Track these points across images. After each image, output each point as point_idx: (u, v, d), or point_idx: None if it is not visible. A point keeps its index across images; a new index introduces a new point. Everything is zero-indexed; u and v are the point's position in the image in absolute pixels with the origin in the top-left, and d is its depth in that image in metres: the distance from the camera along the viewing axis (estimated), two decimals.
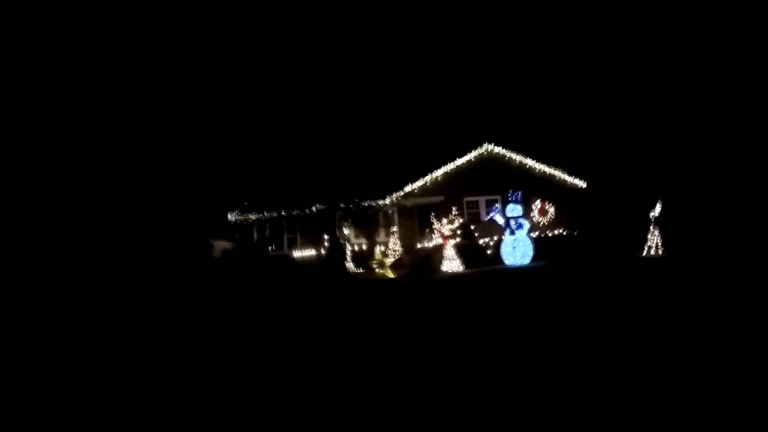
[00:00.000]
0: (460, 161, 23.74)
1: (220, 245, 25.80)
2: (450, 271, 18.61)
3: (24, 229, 18.61)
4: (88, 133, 21.14)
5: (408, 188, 23.59)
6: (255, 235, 25.82)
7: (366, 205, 23.78)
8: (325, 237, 23.23)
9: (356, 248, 23.58)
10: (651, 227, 18.43)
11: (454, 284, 14.53)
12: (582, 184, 24.22)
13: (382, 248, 21.74)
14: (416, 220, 23.60)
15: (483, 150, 23.83)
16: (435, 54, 44.76)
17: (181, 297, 15.10)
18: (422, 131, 28.66)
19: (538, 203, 23.60)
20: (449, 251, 18.99)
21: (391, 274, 18.81)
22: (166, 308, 12.24)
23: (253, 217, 25.41)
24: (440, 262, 18.96)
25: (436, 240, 21.13)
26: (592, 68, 34.36)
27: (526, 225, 18.85)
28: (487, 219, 20.45)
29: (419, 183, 23.61)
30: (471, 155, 23.80)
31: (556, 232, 22.62)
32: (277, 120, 28.82)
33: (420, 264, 19.69)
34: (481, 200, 23.77)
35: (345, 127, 29.86)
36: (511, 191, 19.30)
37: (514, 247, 18.66)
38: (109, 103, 22.01)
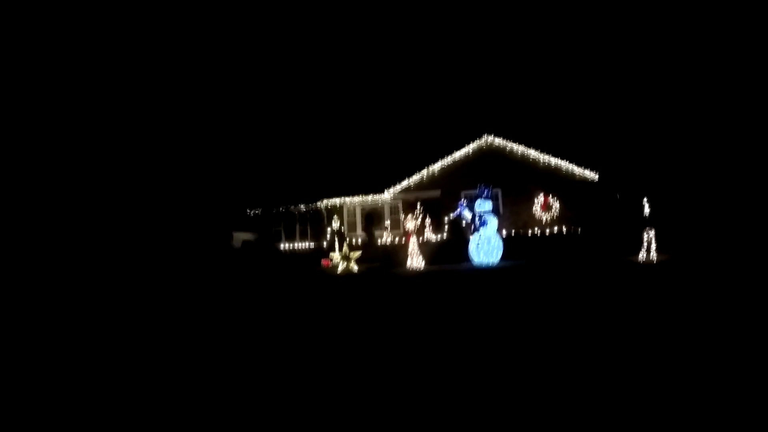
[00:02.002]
0: (458, 154, 23.15)
1: (241, 236, 27.92)
2: (412, 267, 18.45)
3: (43, 225, 21.43)
4: (116, 134, 23.76)
5: (405, 183, 23.57)
6: (272, 228, 27.46)
7: (361, 200, 24.18)
8: (328, 230, 24.10)
9: (355, 241, 24.09)
10: (645, 229, 16.61)
11: (397, 282, 13.99)
12: (593, 176, 22.29)
13: (348, 241, 21.95)
14: (415, 214, 23.50)
15: (482, 142, 22.98)
16: (437, 43, 42.77)
17: (198, 283, 16.52)
18: (422, 124, 28.18)
19: (541, 197, 22.27)
20: (412, 247, 18.78)
21: (354, 269, 19.10)
22: (184, 293, 13.45)
23: (267, 211, 27.04)
24: (405, 258, 18.84)
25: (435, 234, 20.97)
26: (605, 54, 31.02)
27: (493, 221, 17.98)
28: (454, 215, 19.76)
29: (416, 178, 23.48)
30: (469, 147, 23.09)
31: (555, 229, 21.14)
32: (290, 119, 30.03)
33: (384, 259, 19.71)
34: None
35: (346, 124, 30.26)
36: (480, 186, 18.52)
37: (478, 245, 17.95)
38: (132, 105, 24.40)
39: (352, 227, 25.13)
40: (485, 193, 18.30)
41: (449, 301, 9.34)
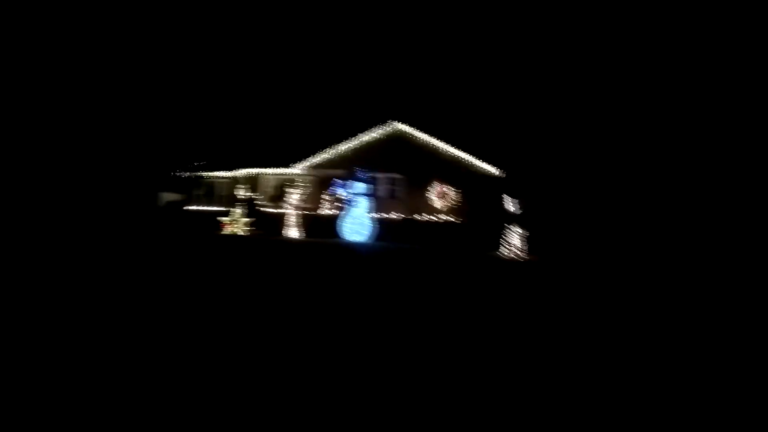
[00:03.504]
0: (366, 137, 23.78)
1: (167, 196, 28.93)
2: (288, 236, 19.30)
3: None
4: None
5: (314, 159, 24.30)
6: (195, 191, 28.37)
7: (274, 172, 24.98)
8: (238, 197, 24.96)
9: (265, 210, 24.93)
10: (509, 225, 16.70)
11: (261, 246, 14.53)
12: (495, 171, 22.81)
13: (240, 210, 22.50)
14: (318, 188, 24.25)
15: (390, 127, 23.57)
16: (359, 28, 42.03)
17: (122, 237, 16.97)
18: (338, 105, 28.77)
19: (438, 186, 22.87)
20: (291, 219, 19.61)
21: (240, 232, 19.98)
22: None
23: (194, 175, 27.96)
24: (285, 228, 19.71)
25: (331, 208, 21.77)
26: (518, 55, 31.18)
27: (363, 203, 18.73)
28: (330, 192, 20.52)
29: (325, 155, 24.18)
30: (378, 131, 23.69)
31: (445, 218, 21.78)
32: (220, 87, 30.38)
33: (269, 228, 20.57)
34: (382, 177, 23.61)
35: (272, 98, 30.79)
36: (357, 169, 19.26)
37: (347, 223, 18.72)
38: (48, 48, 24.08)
39: (268, 197, 25.96)
40: (362, 176, 19.05)
41: (285, 266, 9.99)
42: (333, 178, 23.32)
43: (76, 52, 25.12)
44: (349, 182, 18.91)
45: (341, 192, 19.45)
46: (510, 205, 17.10)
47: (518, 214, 17.18)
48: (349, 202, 18.65)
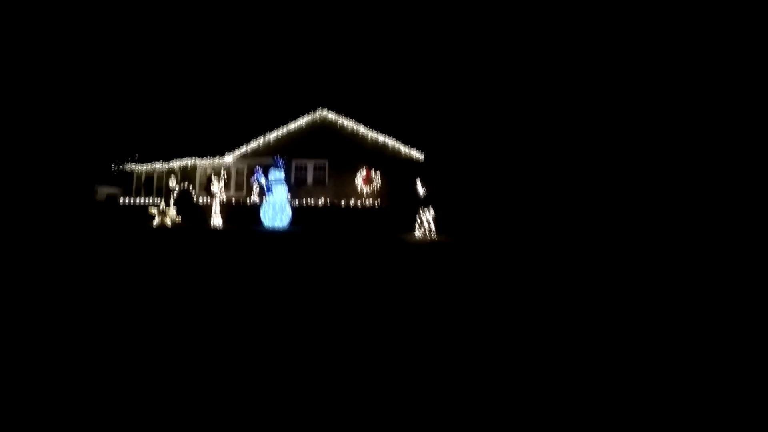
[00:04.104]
0: (293, 125, 24.37)
1: (105, 190, 29.15)
2: (213, 225, 19.91)
3: None
4: None
5: (243, 149, 24.83)
6: (134, 184, 28.65)
7: (209, 162, 25.43)
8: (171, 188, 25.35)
9: (202, 200, 25.43)
10: (421, 208, 17.46)
11: (186, 236, 14.82)
12: (419, 155, 23.69)
13: (169, 201, 23.02)
14: (248, 177, 24.79)
15: (316, 115, 24.18)
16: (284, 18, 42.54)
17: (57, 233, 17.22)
18: (265, 96, 29.29)
19: (363, 171, 23.65)
20: (216, 209, 20.21)
21: (168, 223, 20.49)
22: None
23: (130, 167, 28.19)
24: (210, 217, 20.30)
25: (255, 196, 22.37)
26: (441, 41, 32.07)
27: (280, 190, 19.40)
28: (252, 180, 21.17)
29: (253, 145, 24.71)
30: (303, 120, 24.28)
31: (369, 203, 22.65)
32: (155, 80, 30.60)
33: (195, 217, 21.15)
34: (309, 164, 24.28)
35: (204, 90, 31.12)
36: (275, 156, 19.91)
37: (266, 210, 19.40)
38: None
39: (202, 188, 26.43)
40: (279, 163, 19.70)
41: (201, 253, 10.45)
42: (259, 165, 23.93)
43: (5, 44, 25.00)
44: (271, 169, 19.53)
45: (261, 180, 20.06)
46: (421, 188, 18.02)
47: (431, 197, 18.12)
48: (268, 189, 19.30)
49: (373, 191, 23.50)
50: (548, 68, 26.14)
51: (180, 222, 21.17)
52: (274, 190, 19.30)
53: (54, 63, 25.88)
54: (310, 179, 24.05)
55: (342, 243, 13.72)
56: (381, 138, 23.79)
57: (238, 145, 24.81)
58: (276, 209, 19.35)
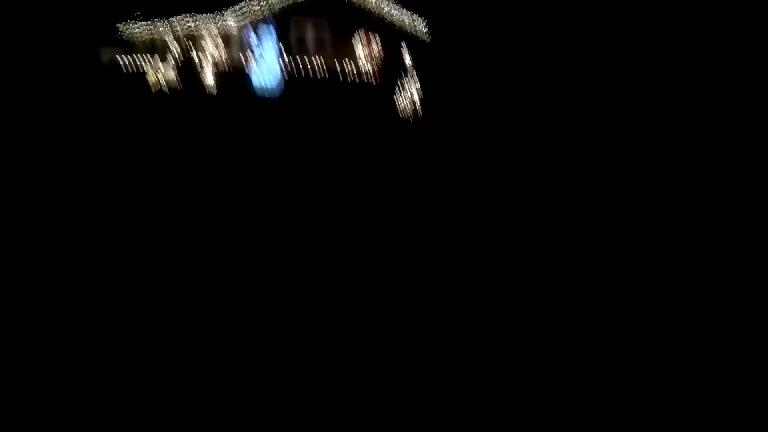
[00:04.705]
0: None
1: (109, 52, 28.82)
2: (205, 85, 20.04)
3: None
4: None
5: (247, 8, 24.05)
6: (139, 46, 28.22)
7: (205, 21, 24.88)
8: None
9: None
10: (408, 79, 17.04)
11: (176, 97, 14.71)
12: (425, 34, 22.66)
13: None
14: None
15: None
16: None
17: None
18: None
19: (363, 34, 22.79)
20: (208, 69, 20.22)
21: (164, 84, 20.58)
22: None
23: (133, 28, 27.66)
24: None
25: None
26: None
27: (271, 51, 18.96)
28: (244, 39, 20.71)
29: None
30: None
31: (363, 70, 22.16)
32: None
33: (192, 78, 21.28)
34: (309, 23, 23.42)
35: None
36: (266, 15, 19.28)
37: (259, 71, 19.22)
38: None
39: (202, 51, 25.97)
40: (269, 22, 19.17)
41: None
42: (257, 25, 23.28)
43: None
44: (260, 28, 19.08)
45: (252, 40, 19.68)
46: (408, 58, 17.47)
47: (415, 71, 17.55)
48: (259, 49, 19.00)
49: (371, 61, 22.81)
50: None
51: (175, 83, 21.26)
52: (265, 51, 19.03)
53: None
54: (309, 39, 23.28)
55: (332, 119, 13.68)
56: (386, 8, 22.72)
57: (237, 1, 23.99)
58: (267, 69, 19.21)
